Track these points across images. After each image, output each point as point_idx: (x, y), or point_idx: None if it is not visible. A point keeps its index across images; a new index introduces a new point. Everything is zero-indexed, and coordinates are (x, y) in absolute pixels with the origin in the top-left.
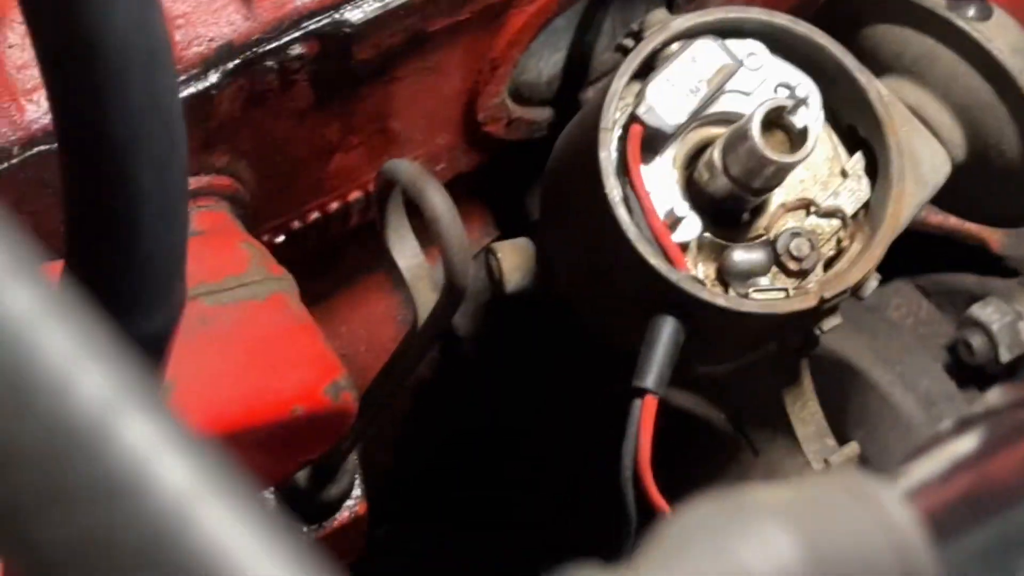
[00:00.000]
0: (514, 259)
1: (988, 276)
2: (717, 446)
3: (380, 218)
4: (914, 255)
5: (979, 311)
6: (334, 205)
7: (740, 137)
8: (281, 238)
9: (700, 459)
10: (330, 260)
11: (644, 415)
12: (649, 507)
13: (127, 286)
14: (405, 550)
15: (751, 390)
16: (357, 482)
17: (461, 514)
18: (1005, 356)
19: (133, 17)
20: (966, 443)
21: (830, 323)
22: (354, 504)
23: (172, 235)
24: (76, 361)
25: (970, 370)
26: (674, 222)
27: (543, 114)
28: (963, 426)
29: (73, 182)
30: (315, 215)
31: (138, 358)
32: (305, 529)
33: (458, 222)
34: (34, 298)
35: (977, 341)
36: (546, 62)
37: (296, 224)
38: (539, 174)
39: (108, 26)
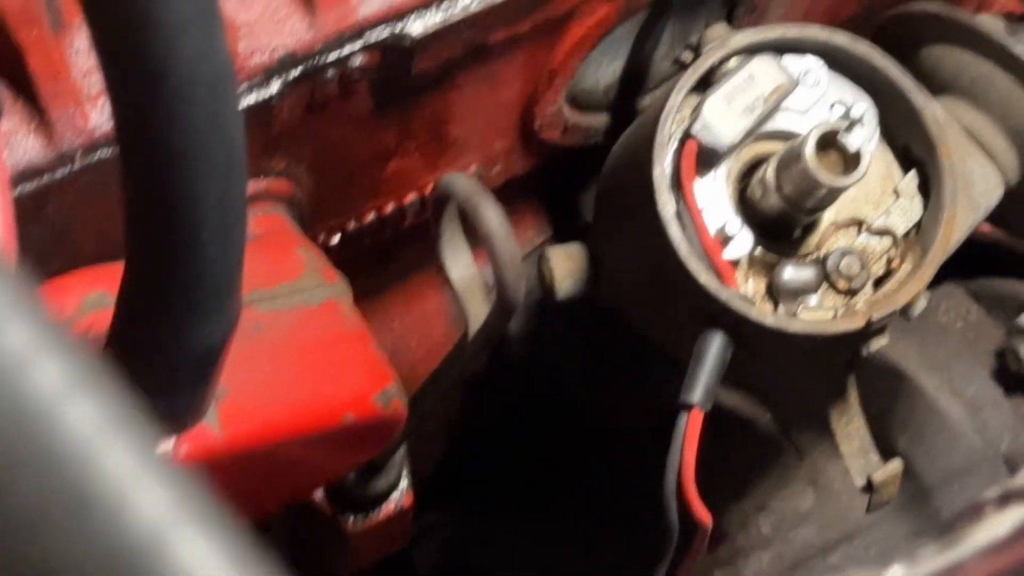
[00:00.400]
0: (566, 265)
1: None
2: (761, 447)
3: (435, 229)
4: (965, 259)
5: None
6: (390, 207)
7: (794, 157)
8: (337, 238)
9: (744, 459)
10: (384, 258)
11: (690, 429)
12: (691, 517)
13: (184, 297)
14: (452, 537)
15: (798, 394)
16: (404, 474)
17: (506, 505)
18: None
19: (199, 47)
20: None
21: (877, 343)
22: (400, 496)
23: (229, 251)
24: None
25: (1018, 378)
26: (725, 238)
27: (600, 120)
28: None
29: (134, 198)
30: (371, 216)
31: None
32: (353, 519)
33: (512, 240)
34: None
35: None
36: (604, 70)
37: (352, 225)
38: (594, 177)
39: (175, 57)
